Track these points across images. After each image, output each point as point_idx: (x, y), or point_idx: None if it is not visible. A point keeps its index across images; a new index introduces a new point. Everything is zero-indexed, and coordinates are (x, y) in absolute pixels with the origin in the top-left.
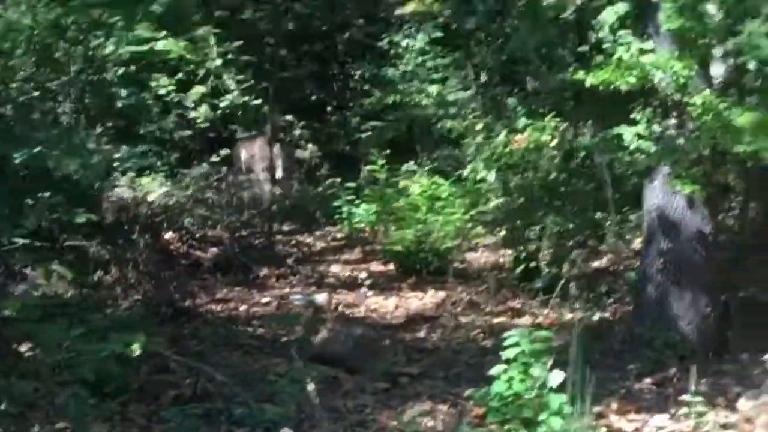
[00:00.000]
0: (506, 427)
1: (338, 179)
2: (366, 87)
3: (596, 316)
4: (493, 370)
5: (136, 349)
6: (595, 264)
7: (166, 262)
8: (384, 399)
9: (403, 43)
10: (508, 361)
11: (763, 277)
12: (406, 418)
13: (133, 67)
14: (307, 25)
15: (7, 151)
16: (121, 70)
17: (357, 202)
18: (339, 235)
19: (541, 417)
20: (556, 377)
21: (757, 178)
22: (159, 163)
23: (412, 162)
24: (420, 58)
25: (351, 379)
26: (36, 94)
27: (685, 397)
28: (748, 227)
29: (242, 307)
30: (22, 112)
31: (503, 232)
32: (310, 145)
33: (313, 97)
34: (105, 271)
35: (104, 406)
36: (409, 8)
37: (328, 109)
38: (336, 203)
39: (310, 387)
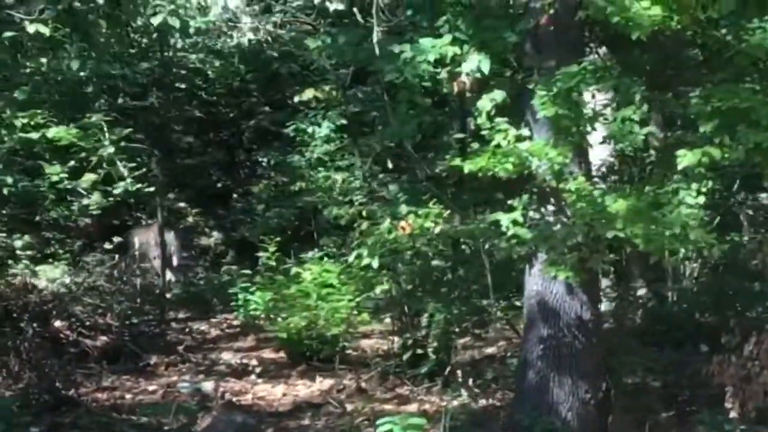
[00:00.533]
0: None
1: (234, 266)
2: (272, 174)
3: (482, 403)
4: None
5: None
6: (489, 350)
7: (53, 351)
8: None
9: (309, 130)
10: None
11: (648, 361)
12: None
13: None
14: (214, 112)
15: None
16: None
17: (252, 289)
18: (235, 323)
19: None
20: None
21: (637, 263)
22: (61, 251)
23: (317, 249)
24: (325, 146)
25: None
26: None
27: None
28: (630, 311)
29: (128, 396)
30: None
31: (388, 319)
32: (215, 233)
33: (219, 184)
34: None
35: None
36: (307, 95)
37: (234, 195)
38: (232, 290)
39: None
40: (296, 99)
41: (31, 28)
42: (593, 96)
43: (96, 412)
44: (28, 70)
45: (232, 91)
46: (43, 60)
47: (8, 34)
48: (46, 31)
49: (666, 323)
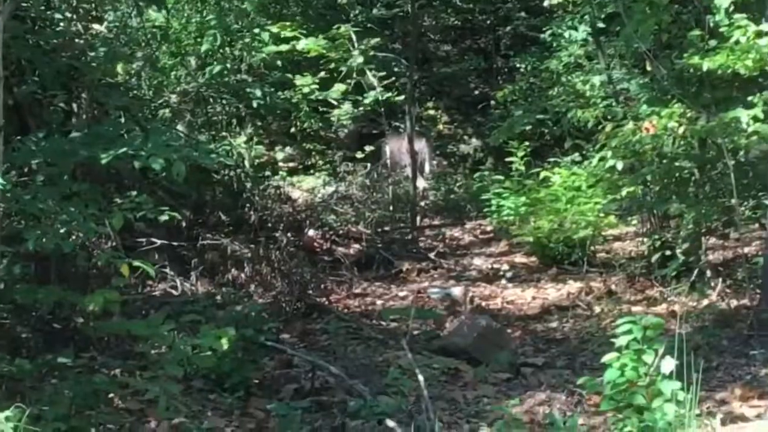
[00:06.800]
0: (620, 414)
1: (486, 172)
2: (531, 80)
3: (731, 303)
4: (606, 358)
5: (224, 344)
6: (740, 250)
7: (307, 260)
8: (504, 390)
9: (566, 35)
10: (620, 349)
11: None
12: (524, 407)
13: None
14: (470, 19)
15: (95, 153)
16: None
17: (505, 194)
18: (488, 229)
19: (655, 404)
20: (668, 364)
21: None
22: (321, 162)
23: (576, 154)
24: (582, 49)
25: (473, 370)
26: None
27: None
28: None
29: (378, 302)
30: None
31: (635, 221)
32: (473, 140)
33: (477, 92)
34: (239, 269)
35: (222, 400)
36: None
37: (492, 102)
38: (485, 196)
39: (420, 378)
40: (545, 3)
41: None
42: None
43: (346, 318)
44: None
45: None
46: None
47: None
48: None
49: None
